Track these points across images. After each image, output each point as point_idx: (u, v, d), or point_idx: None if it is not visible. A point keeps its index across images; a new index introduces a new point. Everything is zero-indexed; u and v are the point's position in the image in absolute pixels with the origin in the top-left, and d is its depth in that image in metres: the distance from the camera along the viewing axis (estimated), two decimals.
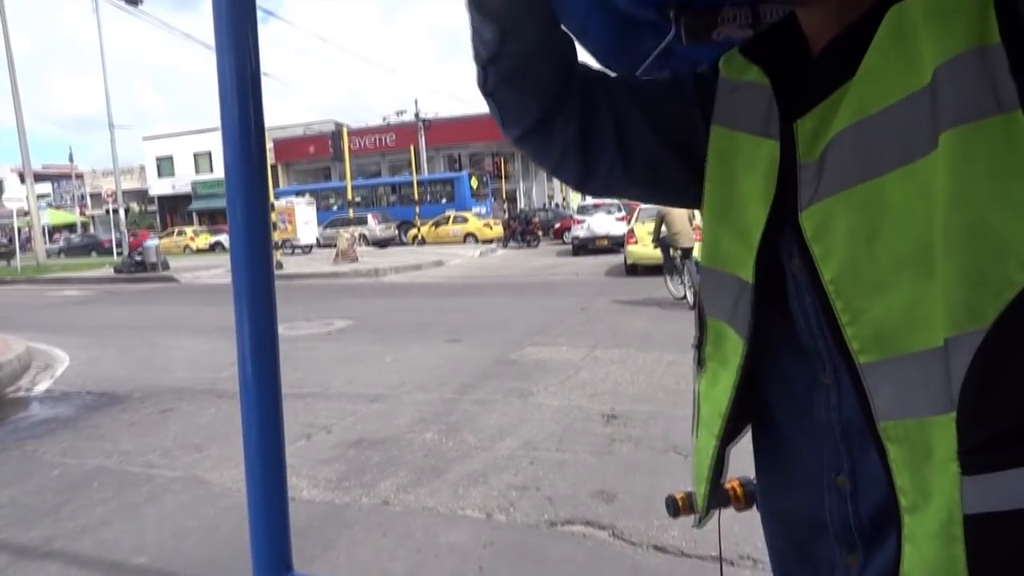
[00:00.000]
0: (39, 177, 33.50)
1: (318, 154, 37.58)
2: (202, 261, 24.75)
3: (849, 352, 0.56)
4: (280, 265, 18.07)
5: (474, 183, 32.50)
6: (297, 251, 25.46)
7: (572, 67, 0.79)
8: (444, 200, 31.61)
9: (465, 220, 28.19)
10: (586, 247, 18.89)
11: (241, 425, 0.70)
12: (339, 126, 31.98)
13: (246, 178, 0.66)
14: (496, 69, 0.74)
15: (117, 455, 4.27)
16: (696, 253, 9.13)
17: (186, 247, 33.31)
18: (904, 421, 0.53)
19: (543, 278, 14.23)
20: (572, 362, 6.19)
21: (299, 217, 25.91)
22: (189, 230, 36.14)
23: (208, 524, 3.26)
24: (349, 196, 24.91)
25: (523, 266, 17.45)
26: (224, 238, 34.14)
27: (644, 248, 13.14)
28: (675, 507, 1.03)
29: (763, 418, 0.75)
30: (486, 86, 0.77)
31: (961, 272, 0.49)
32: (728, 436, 0.73)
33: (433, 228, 28.27)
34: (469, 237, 27.28)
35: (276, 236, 21.19)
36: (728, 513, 1.03)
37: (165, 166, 45.42)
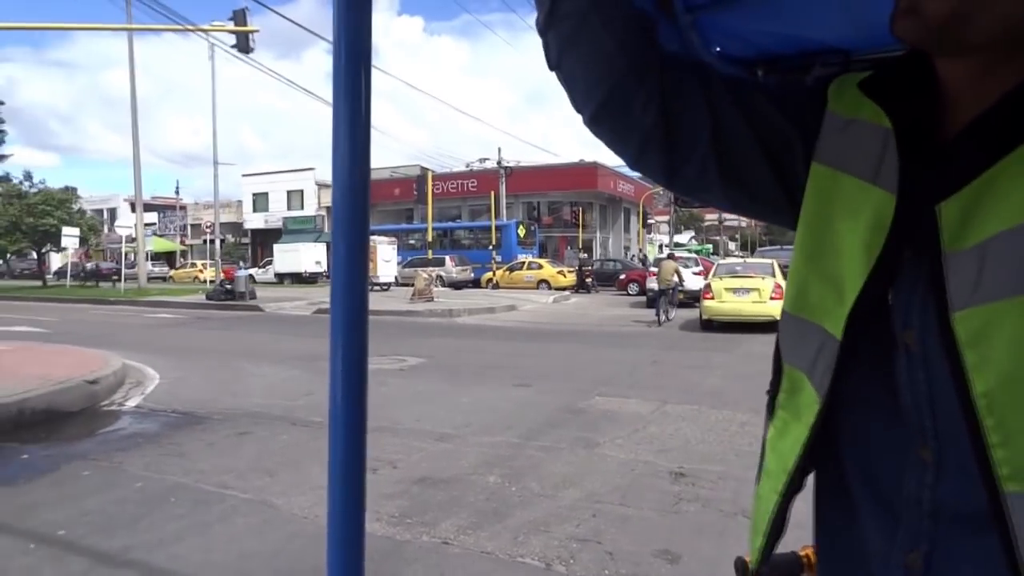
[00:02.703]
0: (148, 207, 36.12)
1: (402, 196, 38.88)
2: (287, 292, 25.84)
3: (994, 477, 0.51)
4: None
5: (521, 231, 33.14)
6: (376, 288, 26.24)
7: (644, 38, 0.73)
8: (490, 247, 31.94)
9: (540, 267, 28.49)
10: None
11: (328, 454, 0.73)
12: (424, 170, 33.10)
13: (351, 217, 0.71)
14: (555, 34, 0.71)
15: (195, 473, 4.46)
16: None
17: (195, 278, 36.96)
18: None
19: (615, 328, 14.10)
20: (641, 415, 6.06)
21: (380, 255, 26.80)
22: (199, 263, 40.19)
23: (273, 548, 3.34)
24: (429, 238, 25.56)
25: (596, 315, 17.35)
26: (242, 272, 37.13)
27: (721, 303, 12.86)
28: (744, 570, 0.99)
29: (831, 479, 0.70)
30: (550, 58, 0.74)
31: None
32: (792, 491, 0.69)
33: (507, 273, 28.63)
34: (543, 283, 27.47)
35: None
36: None
37: (260, 201, 48.10)
